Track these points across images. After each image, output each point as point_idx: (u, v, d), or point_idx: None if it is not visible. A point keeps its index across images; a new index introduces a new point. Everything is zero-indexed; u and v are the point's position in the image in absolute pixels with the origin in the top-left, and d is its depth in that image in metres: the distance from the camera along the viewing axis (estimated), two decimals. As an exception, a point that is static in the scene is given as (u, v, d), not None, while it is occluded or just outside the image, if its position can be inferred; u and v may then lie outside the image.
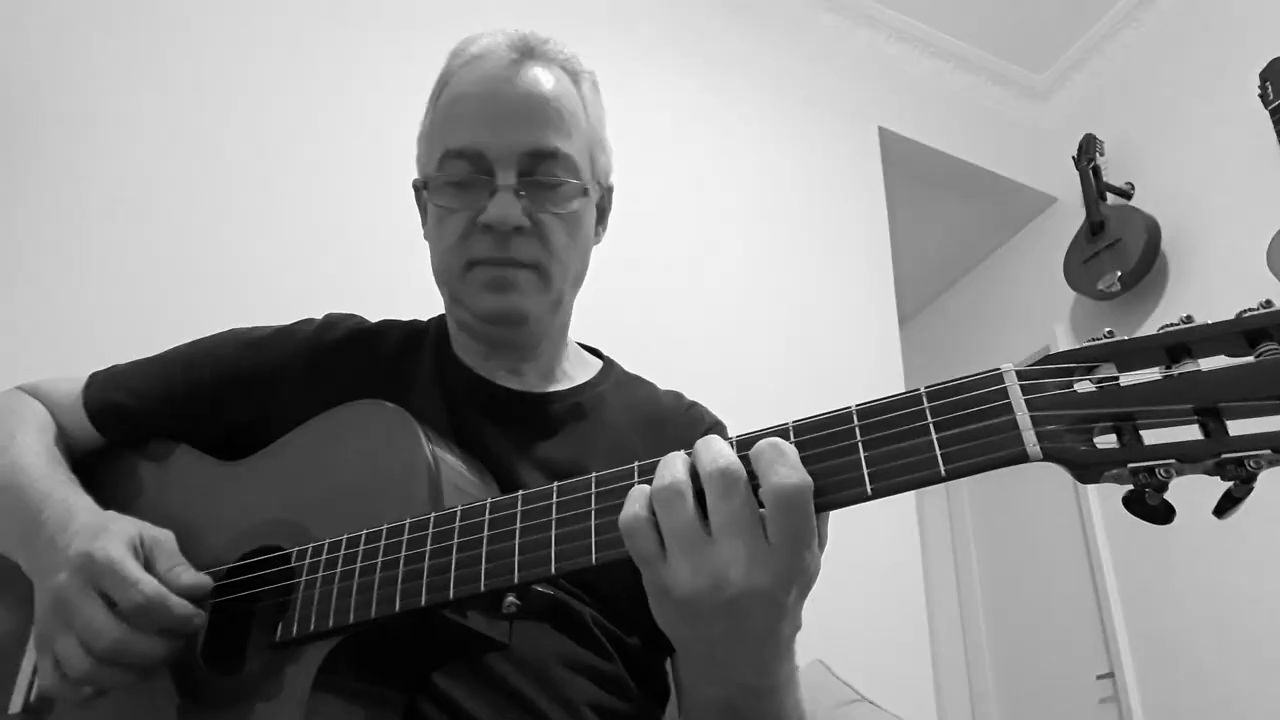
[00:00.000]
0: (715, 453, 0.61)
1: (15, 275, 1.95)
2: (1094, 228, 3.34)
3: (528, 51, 0.97)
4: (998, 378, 0.58)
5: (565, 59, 1.00)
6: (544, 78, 0.96)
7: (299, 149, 2.34)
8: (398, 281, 1.96)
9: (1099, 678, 3.22)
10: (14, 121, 2.07)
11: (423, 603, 0.69)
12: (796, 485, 0.58)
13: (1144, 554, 3.07)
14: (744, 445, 0.62)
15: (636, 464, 0.66)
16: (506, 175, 0.92)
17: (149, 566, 0.75)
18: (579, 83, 1.00)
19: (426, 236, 1.02)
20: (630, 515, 0.61)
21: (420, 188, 1.00)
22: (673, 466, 0.62)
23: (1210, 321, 0.54)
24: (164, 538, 0.79)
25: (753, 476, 0.60)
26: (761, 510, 0.59)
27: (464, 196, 0.94)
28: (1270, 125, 2.87)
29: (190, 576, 0.76)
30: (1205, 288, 3.08)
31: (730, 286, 2.79)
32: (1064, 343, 3.53)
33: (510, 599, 0.68)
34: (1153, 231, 3.19)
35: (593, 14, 2.91)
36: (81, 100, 2.16)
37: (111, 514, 0.81)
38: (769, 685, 0.69)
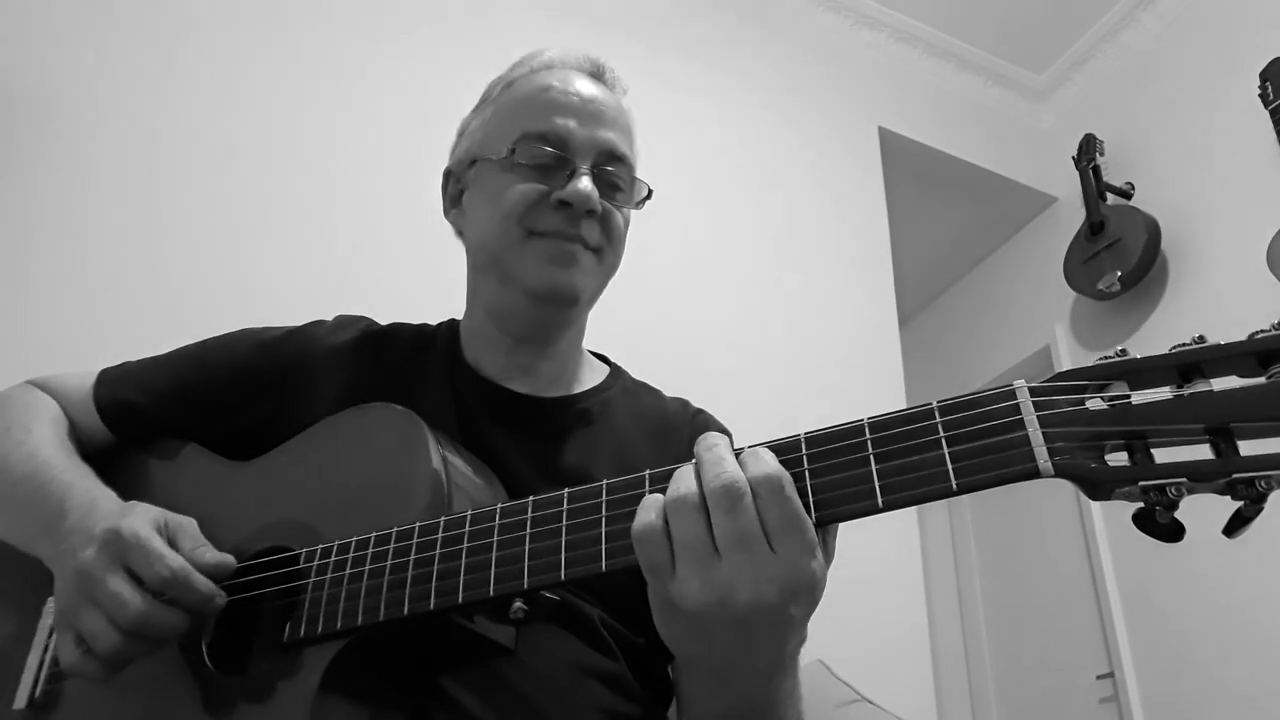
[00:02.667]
0: (718, 469, 0.61)
1: (20, 274, 1.95)
2: (1094, 228, 3.34)
3: (599, 73, 1.04)
4: (1010, 394, 0.58)
5: (624, 92, 1.06)
6: (616, 97, 1.04)
7: (305, 148, 2.34)
8: (406, 282, 1.96)
9: (1099, 678, 3.22)
10: (21, 120, 2.06)
11: (431, 607, 0.69)
12: (769, 473, 0.60)
13: (1144, 554, 3.06)
14: None
15: (648, 472, 0.66)
16: (585, 164, 0.95)
17: (173, 546, 0.77)
18: (630, 116, 1.06)
19: (455, 218, 1.05)
20: (644, 524, 0.61)
21: (466, 167, 1.02)
22: (686, 478, 0.62)
23: (1222, 342, 0.54)
24: (187, 522, 0.81)
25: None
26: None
27: (537, 172, 0.96)
28: (1270, 125, 2.87)
29: (214, 556, 0.78)
30: (1205, 287, 3.08)
31: (730, 286, 2.79)
32: (1064, 342, 3.53)
33: (518, 604, 0.68)
34: (1153, 231, 3.19)
35: (593, 14, 2.91)
36: (86, 100, 2.15)
37: (134, 502, 0.83)
38: (772, 699, 0.70)
